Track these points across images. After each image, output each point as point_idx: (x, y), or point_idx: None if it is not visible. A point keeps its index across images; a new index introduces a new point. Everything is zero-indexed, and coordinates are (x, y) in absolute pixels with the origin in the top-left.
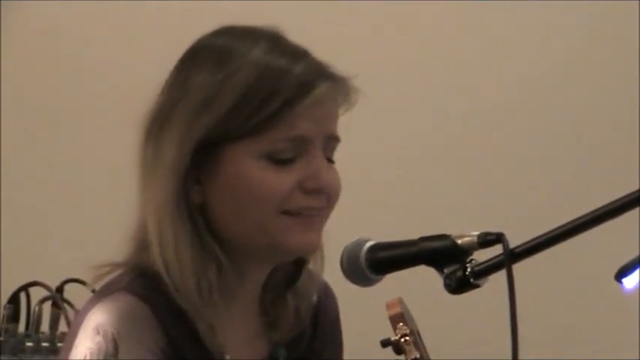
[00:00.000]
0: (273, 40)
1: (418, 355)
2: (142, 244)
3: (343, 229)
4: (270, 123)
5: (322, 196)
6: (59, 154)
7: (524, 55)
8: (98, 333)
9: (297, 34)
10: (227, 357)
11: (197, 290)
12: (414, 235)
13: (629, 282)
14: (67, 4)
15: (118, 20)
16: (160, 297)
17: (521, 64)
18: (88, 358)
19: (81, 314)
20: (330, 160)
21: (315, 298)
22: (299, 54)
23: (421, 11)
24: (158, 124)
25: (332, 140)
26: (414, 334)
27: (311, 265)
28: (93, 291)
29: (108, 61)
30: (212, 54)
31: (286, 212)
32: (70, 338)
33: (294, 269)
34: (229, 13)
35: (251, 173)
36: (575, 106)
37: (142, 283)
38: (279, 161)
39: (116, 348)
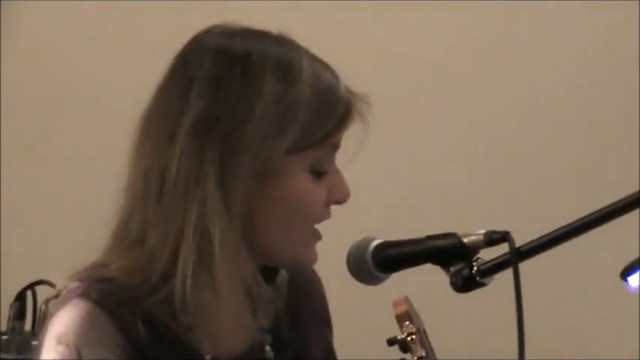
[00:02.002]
0: (305, 49)
1: (424, 354)
2: (116, 243)
3: (350, 228)
4: (328, 136)
5: (338, 206)
6: (63, 153)
7: (531, 57)
8: (60, 342)
9: (301, 37)
10: (207, 357)
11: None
12: (421, 234)
13: (634, 280)
14: (67, 4)
15: (118, 20)
16: (120, 301)
17: (528, 64)
18: None
19: (44, 328)
20: None
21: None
22: (329, 66)
23: (432, 12)
24: (225, 126)
25: (337, 149)
26: (420, 332)
27: None
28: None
29: (108, 61)
30: (267, 59)
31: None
32: (38, 350)
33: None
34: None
35: (301, 187)
36: (583, 107)
37: (98, 288)
38: (317, 174)
39: (79, 354)
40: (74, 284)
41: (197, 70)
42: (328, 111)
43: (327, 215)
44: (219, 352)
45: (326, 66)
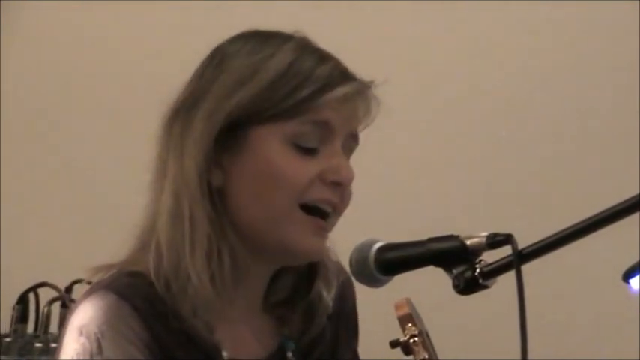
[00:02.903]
0: (303, 41)
1: (427, 356)
2: (142, 243)
3: (352, 230)
4: (299, 108)
5: (338, 192)
6: (65, 154)
7: (532, 58)
8: (81, 334)
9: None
10: (224, 353)
11: (208, 273)
12: (423, 236)
13: (636, 283)
14: (67, 4)
15: (118, 20)
16: (145, 295)
17: (529, 66)
18: (75, 359)
19: (69, 316)
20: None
21: (331, 302)
22: (327, 55)
23: (434, 12)
24: (189, 104)
25: (352, 140)
26: (423, 334)
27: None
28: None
29: (108, 61)
30: (247, 45)
31: (304, 206)
32: (61, 339)
33: (306, 274)
34: (233, 16)
35: (276, 158)
36: (584, 109)
37: (125, 282)
38: (304, 150)
39: (100, 347)
40: (100, 279)
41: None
42: (295, 83)
43: (317, 193)
44: (240, 354)
45: (323, 55)
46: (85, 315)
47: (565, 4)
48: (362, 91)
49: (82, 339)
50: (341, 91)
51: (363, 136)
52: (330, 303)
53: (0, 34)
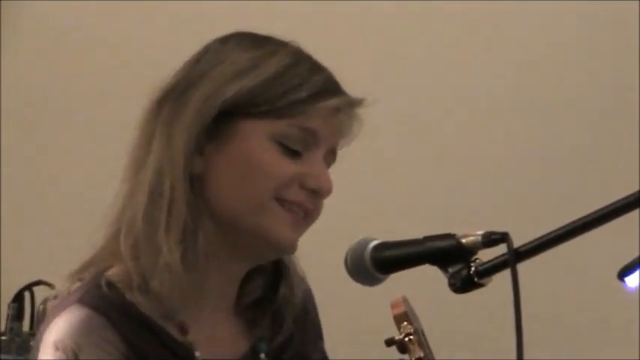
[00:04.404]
0: (299, 48)
1: (422, 355)
2: (116, 229)
3: (348, 229)
4: (291, 110)
5: (315, 199)
6: (62, 153)
7: (530, 56)
8: (57, 349)
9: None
10: (197, 354)
11: (180, 250)
12: (419, 235)
13: (632, 281)
14: (67, 4)
15: (118, 19)
16: (117, 306)
17: (524, 65)
18: None
19: (41, 331)
20: None
21: (299, 303)
22: (322, 66)
23: (428, 13)
24: (182, 87)
25: (331, 155)
26: (419, 333)
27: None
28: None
29: (108, 61)
30: (244, 41)
31: (280, 200)
32: (34, 355)
33: (272, 277)
34: (233, 17)
35: (259, 151)
36: (582, 107)
37: (96, 294)
38: (288, 150)
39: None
40: (72, 289)
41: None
42: (286, 86)
43: (293, 194)
44: (213, 355)
45: (318, 65)
46: (60, 330)
47: (565, 4)
48: (352, 106)
49: (59, 354)
50: (334, 102)
51: (361, 134)
52: (296, 305)
53: (0, 34)
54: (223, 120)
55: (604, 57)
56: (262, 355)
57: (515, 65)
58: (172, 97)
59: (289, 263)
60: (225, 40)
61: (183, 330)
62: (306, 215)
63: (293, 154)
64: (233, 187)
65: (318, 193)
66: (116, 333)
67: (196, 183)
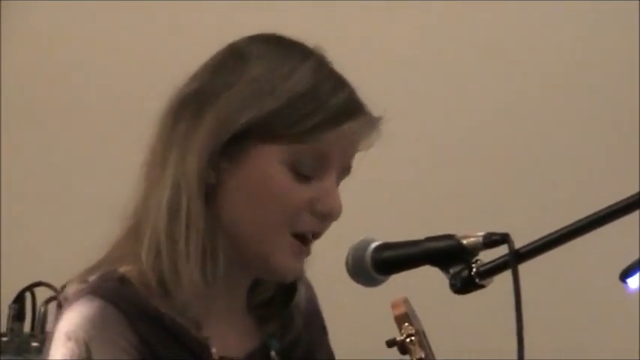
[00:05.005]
0: (322, 60)
1: (423, 355)
2: (132, 234)
3: (349, 230)
4: (305, 136)
5: (326, 222)
6: (63, 154)
7: (532, 56)
8: (70, 339)
9: (303, 36)
10: (213, 350)
11: (202, 269)
12: (420, 236)
13: (633, 282)
14: (67, 4)
15: (118, 20)
16: (130, 298)
17: (526, 65)
18: None
19: (54, 323)
20: None
21: (303, 304)
22: (343, 82)
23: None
24: (197, 103)
25: (345, 171)
26: (420, 334)
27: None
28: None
29: (108, 62)
30: (266, 52)
31: (292, 233)
32: (47, 346)
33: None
34: (234, 18)
35: (271, 176)
36: (583, 108)
37: (109, 286)
38: (300, 175)
39: (89, 351)
40: (86, 283)
41: (208, 60)
42: (303, 111)
43: (305, 223)
44: (226, 351)
45: (339, 82)
46: (72, 321)
47: (565, 4)
48: (369, 127)
49: (70, 344)
50: (349, 126)
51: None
52: (301, 305)
53: (0, 34)
54: (238, 140)
55: (604, 57)
56: (273, 353)
57: (516, 66)
58: (189, 111)
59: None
60: (245, 48)
61: (198, 326)
62: (314, 236)
63: (304, 178)
64: (243, 211)
65: (328, 216)
66: (128, 326)
67: (210, 194)
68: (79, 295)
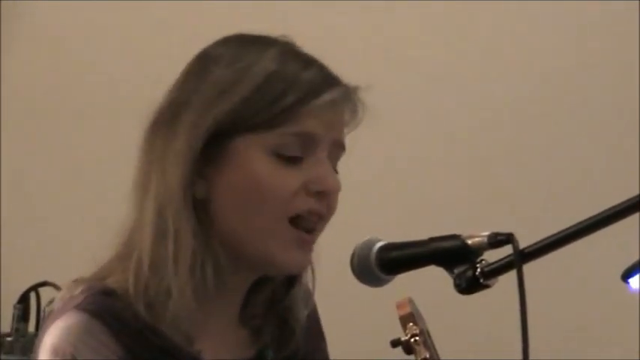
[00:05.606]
0: (287, 46)
1: (428, 355)
2: (121, 253)
3: (353, 230)
4: (281, 118)
5: (324, 201)
6: (66, 154)
7: (532, 57)
8: (56, 353)
9: (299, 38)
10: None
11: (191, 288)
12: (424, 236)
13: (635, 282)
14: (68, 5)
15: (119, 21)
16: (117, 313)
17: (526, 65)
18: None
19: (39, 337)
20: (334, 170)
21: (305, 315)
22: (312, 60)
23: (431, 11)
24: (170, 115)
25: (338, 148)
26: (424, 334)
27: (303, 279)
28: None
29: (108, 62)
30: (229, 50)
31: (292, 219)
32: (35, 357)
33: (282, 288)
34: (232, 15)
35: (259, 169)
36: (585, 109)
37: (95, 300)
38: (287, 159)
39: None
40: (72, 296)
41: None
42: (273, 94)
43: (302, 204)
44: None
45: (307, 61)
46: (58, 334)
47: (565, 4)
48: (347, 96)
49: (57, 358)
50: (325, 98)
51: (363, 135)
52: (302, 319)
53: (0, 34)
54: (217, 141)
55: (604, 57)
56: None
57: (516, 66)
58: (163, 126)
59: (299, 275)
60: (210, 51)
61: (190, 340)
62: (320, 219)
63: (294, 160)
64: (237, 211)
65: (326, 194)
66: (115, 340)
67: (200, 208)
68: (66, 309)
